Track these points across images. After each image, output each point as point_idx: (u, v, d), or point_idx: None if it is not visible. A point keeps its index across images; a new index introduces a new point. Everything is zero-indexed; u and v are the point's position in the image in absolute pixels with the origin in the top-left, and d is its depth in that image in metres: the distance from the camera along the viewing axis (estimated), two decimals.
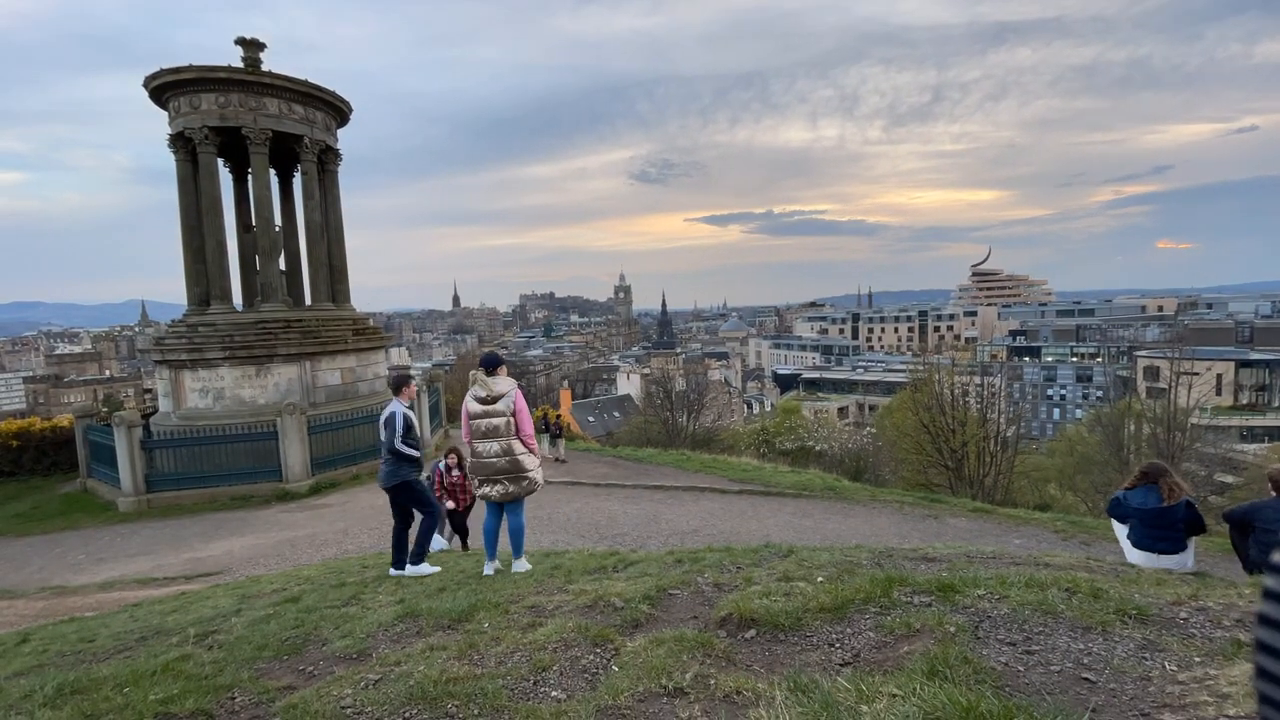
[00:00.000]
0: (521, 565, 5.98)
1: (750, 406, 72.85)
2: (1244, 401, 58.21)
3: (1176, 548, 5.07)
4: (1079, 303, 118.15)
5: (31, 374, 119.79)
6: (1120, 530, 5.46)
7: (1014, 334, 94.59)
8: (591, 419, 55.04)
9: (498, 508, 5.98)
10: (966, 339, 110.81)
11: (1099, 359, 76.94)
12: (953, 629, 2.95)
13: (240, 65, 18.25)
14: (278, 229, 20.36)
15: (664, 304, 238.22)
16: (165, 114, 18.76)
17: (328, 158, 20.92)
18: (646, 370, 66.91)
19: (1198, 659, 2.58)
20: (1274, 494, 5.04)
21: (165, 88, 17.89)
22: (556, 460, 18.59)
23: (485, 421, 5.63)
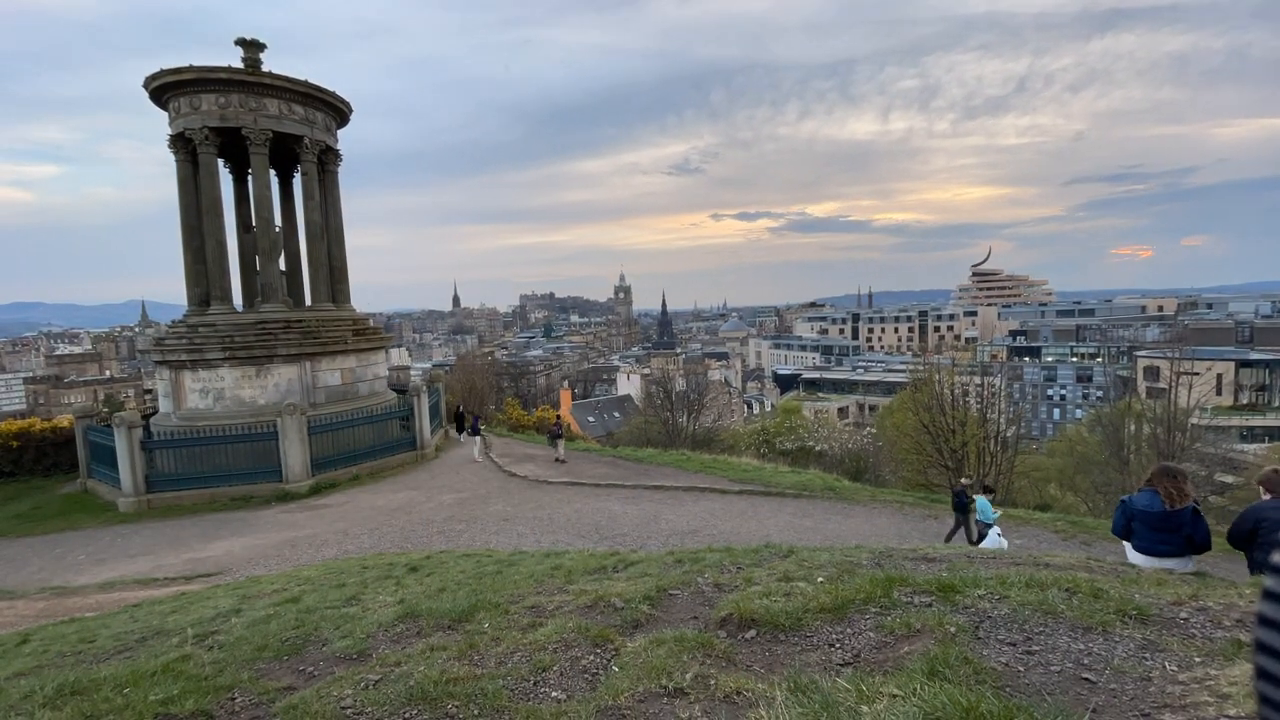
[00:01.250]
0: None
1: (750, 407, 72.85)
2: (1244, 401, 58.17)
3: (1180, 551, 5.04)
4: (1079, 303, 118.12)
5: (32, 374, 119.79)
6: (1126, 544, 5.42)
7: (1014, 334, 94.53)
8: (591, 419, 55.04)
9: None
10: (966, 339, 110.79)
11: (1099, 359, 76.90)
12: (953, 629, 2.95)
13: (240, 66, 18.27)
14: (278, 229, 20.38)
15: (664, 304, 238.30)
16: (166, 114, 18.80)
17: (328, 158, 20.93)
18: (646, 370, 66.93)
19: (1198, 659, 2.58)
20: (1267, 496, 5.02)
21: (165, 88, 17.90)
22: (556, 460, 18.56)
23: None
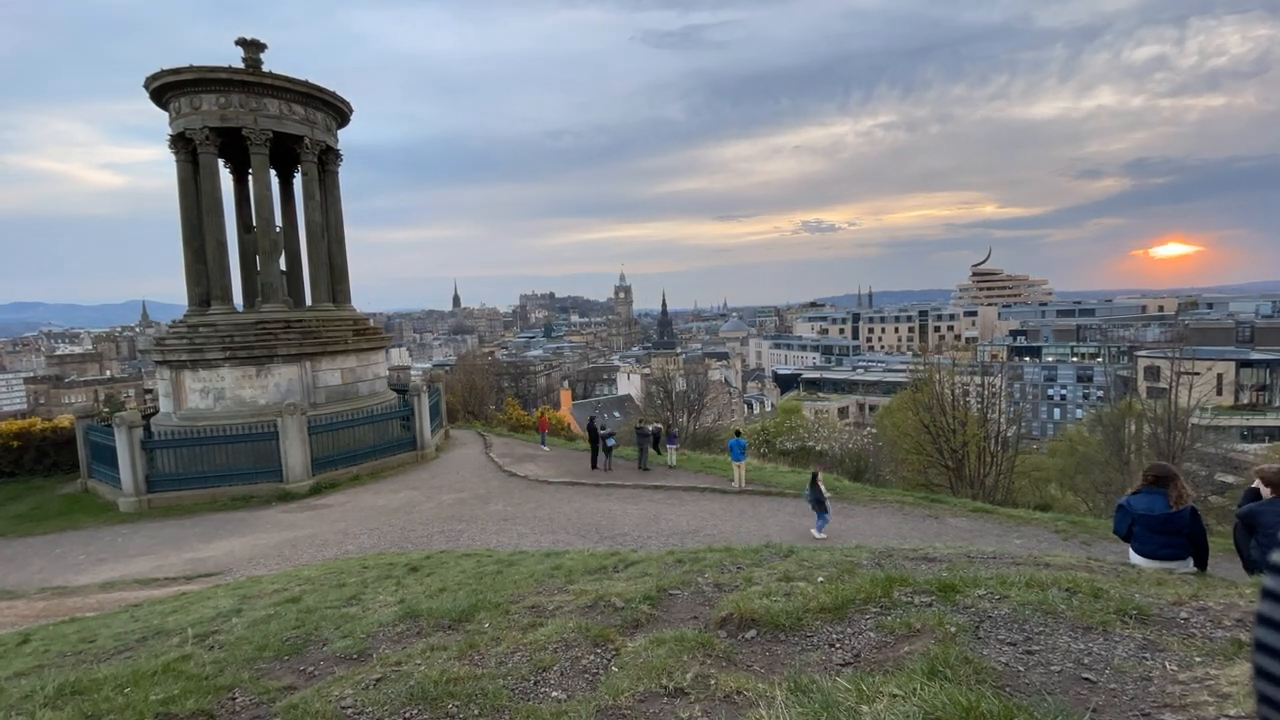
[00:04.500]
0: None
1: (750, 406, 72.84)
2: (1244, 401, 58.12)
3: (1181, 553, 5.03)
4: (1079, 303, 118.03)
5: (32, 374, 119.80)
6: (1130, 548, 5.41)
7: (1014, 334, 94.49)
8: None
9: None
10: (967, 339, 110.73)
11: (1099, 359, 76.84)
12: (953, 629, 2.95)
13: (241, 66, 18.27)
14: (278, 229, 20.38)
15: (664, 304, 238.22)
16: (166, 114, 18.80)
17: (328, 158, 20.94)
18: (647, 370, 66.90)
19: (1198, 659, 2.58)
20: (1270, 494, 5.01)
21: (166, 88, 17.90)
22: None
23: None
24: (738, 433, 16.77)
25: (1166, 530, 5.02)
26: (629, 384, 66.81)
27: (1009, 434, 26.14)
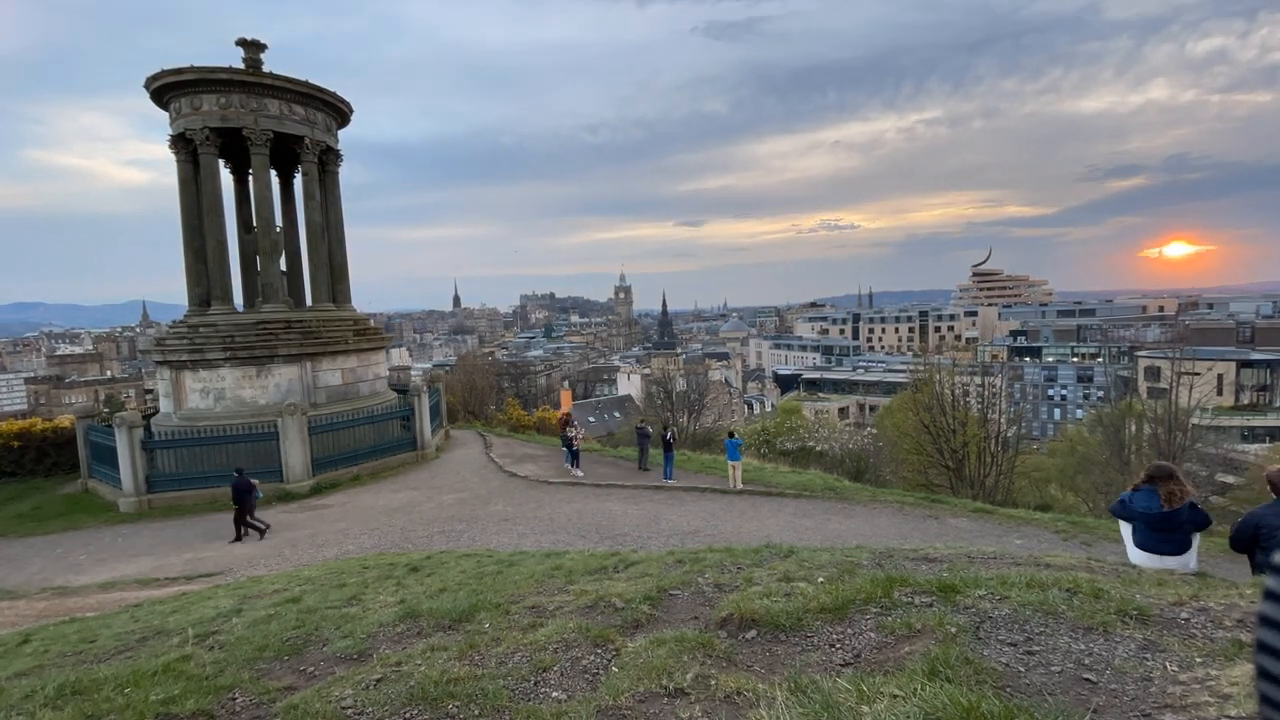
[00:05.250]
0: None
1: (751, 407, 72.83)
2: (1245, 402, 58.11)
3: (1180, 549, 5.06)
4: (1079, 303, 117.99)
5: (33, 375, 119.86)
6: (1125, 530, 5.46)
7: (1014, 334, 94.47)
8: (592, 419, 55.01)
9: None
10: (967, 339, 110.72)
11: (1100, 359, 76.82)
12: (954, 629, 2.95)
13: (241, 66, 18.28)
14: (278, 229, 20.38)
15: (664, 304, 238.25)
16: (167, 115, 18.81)
17: (328, 158, 20.95)
18: (647, 370, 66.90)
19: (1199, 659, 2.58)
20: (1275, 496, 5.02)
21: (166, 89, 17.91)
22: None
23: None
24: (731, 433, 16.98)
25: (1163, 527, 5.05)
26: (629, 384, 66.82)
27: (1009, 434, 26.14)
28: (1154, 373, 52.06)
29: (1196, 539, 5.17)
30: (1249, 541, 4.94)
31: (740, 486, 14.89)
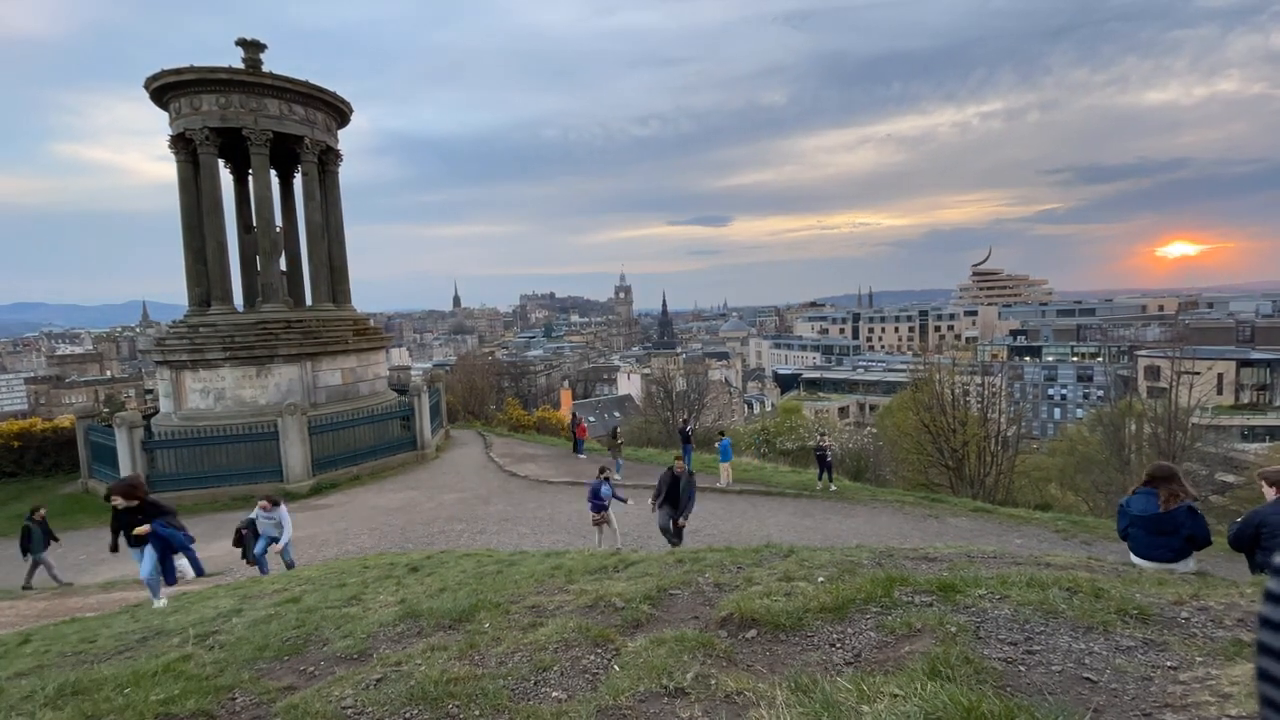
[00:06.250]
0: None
1: (751, 406, 72.85)
2: (1245, 401, 58.11)
3: (1177, 556, 5.00)
4: (1079, 302, 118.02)
5: (33, 375, 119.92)
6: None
7: (1014, 334, 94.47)
8: (592, 419, 55.02)
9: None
10: (967, 339, 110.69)
11: (1100, 358, 76.83)
12: (954, 629, 2.94)
13: (241, 66, 18.27)
14: (278, 229, 20.38)
15: (664, 304, 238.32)
16: (167, 115, 18.80)
17: (328, 158, 20.94)
18: (647, 370, 66.92)
19: (1199, 659, 2.57)
20: (1271, 491, 5.01)
21: (166, 89, 17.91)
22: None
23: None
24: (721, 433, 17.57)
25: (1161, 530, 5.02)
26: (629, 384, 66.85)
27: (1009, 434, 26.12)
28: (1154, 372, 52.06)
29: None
30: (1250, 540, 4.93)
31: (730, 484, 15.13)
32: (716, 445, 16.26)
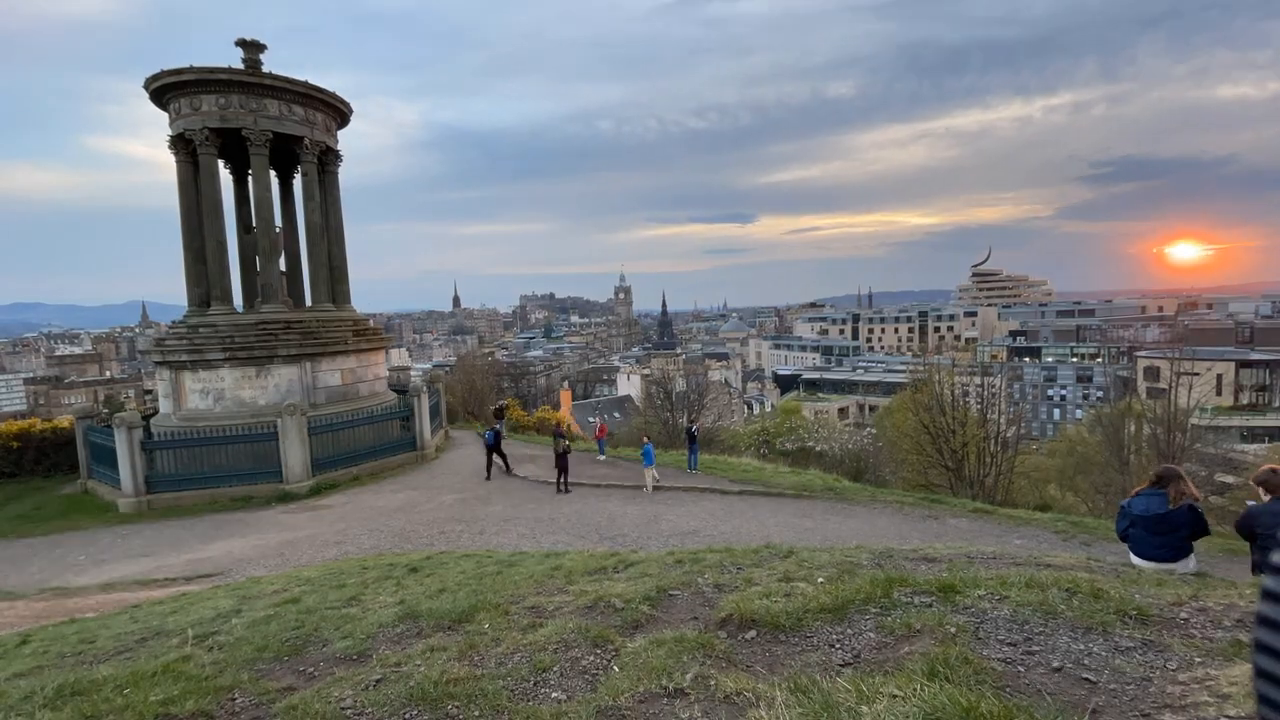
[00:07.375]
0: None
1: (750, 407, 72.82)
2: (1244, 402, 58.16)
3: (1177, 555, 5.02)
4: (1079, 303, 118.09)
5: (32, 375, 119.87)
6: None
7: (1014, 334, 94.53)
8: (592, 420, 55.01)
9: None
10: (967, 339, 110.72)
11: (1099, 359, 76.89)
12: (953, 629, 2.95)
13: (240, 66, 18.28)
14: (278, 230, 20.38)
15: (664, 305, 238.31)
16: (166, 115, 18.80)
17: (328, 159, 20.94)
18: (647, 371, 66.89)
19: (1198, 659, 2.58)
20: (1266, 496, 5.03)
21: (165, 89, 17.90)
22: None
23: None
24: (646, 437, 18.15)
25: (1162, 530, 5.03)
26: (629, 384, 66.83)
27: (1009, 434, 26.11)
28: (1153, 373, 52.09)
29: (1194, 546, 5.15)
30: (1248, 534, 4.98)
31: (654, 488, 15.03)
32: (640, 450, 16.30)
